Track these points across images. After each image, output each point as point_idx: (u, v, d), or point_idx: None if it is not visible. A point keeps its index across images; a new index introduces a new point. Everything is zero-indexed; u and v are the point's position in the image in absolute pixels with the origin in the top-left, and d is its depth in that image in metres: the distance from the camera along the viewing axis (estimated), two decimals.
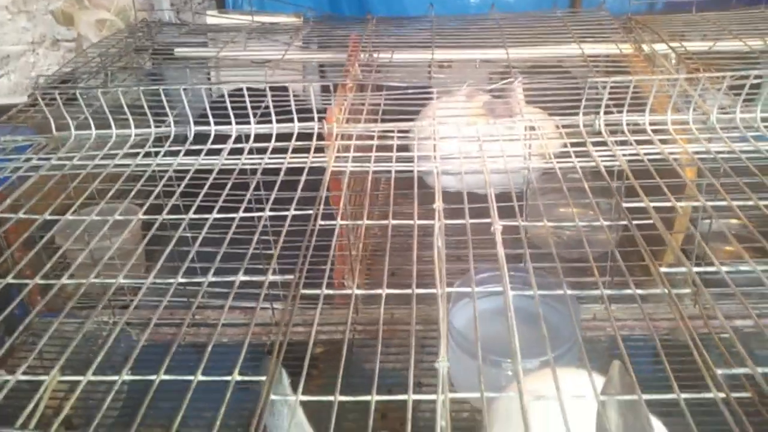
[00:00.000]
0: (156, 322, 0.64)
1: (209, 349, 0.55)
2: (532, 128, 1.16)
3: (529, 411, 0.49)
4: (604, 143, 0.89)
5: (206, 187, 0.78)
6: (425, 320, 0.97)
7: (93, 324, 1.09)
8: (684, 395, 0.50)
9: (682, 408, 0.49)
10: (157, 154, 0.87)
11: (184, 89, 0.89)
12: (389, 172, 0.83)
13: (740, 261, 0.67)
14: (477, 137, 0.92)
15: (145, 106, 0.91)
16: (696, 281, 0.67)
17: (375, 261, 1.26)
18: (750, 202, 0.73)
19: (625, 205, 0.75)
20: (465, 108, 1.13)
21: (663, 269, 0.64)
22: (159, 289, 0.65)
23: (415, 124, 0.98)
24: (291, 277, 0.63)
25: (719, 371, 0.50)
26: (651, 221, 0.72)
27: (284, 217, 0.72)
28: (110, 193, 0.80)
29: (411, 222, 0.73)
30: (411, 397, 0.51)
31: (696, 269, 0.65)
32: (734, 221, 1.02)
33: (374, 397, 0.51)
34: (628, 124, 0.92)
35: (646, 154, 0.85)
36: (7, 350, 0.57)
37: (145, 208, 0.79)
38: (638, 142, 0.88)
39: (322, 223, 0.71)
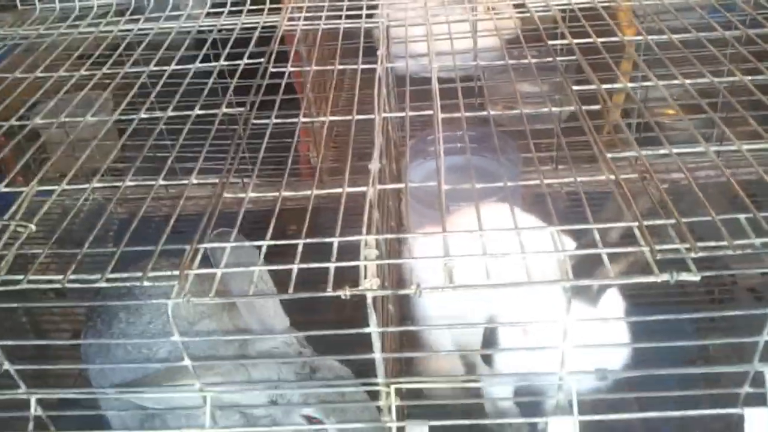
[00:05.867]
0: (132, 197, 0.71)
1: None
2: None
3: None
4: None
5: (163, 48, 0.83)
6: None
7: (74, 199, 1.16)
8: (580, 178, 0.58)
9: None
10: (118, 22, 0.92)
11: None
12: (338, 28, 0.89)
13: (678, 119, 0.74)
14: None
15: None
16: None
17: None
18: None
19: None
20: None
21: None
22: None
23: None
24: (242, 109, 0.70)
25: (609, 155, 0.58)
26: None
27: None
28: (74, 57, 0.85)
29: (355, 67, 0.79)
30: (345, 189, 0.59)
31: None
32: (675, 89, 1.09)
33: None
34: None
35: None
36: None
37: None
38: None
39: (273, 69, 0.78)
